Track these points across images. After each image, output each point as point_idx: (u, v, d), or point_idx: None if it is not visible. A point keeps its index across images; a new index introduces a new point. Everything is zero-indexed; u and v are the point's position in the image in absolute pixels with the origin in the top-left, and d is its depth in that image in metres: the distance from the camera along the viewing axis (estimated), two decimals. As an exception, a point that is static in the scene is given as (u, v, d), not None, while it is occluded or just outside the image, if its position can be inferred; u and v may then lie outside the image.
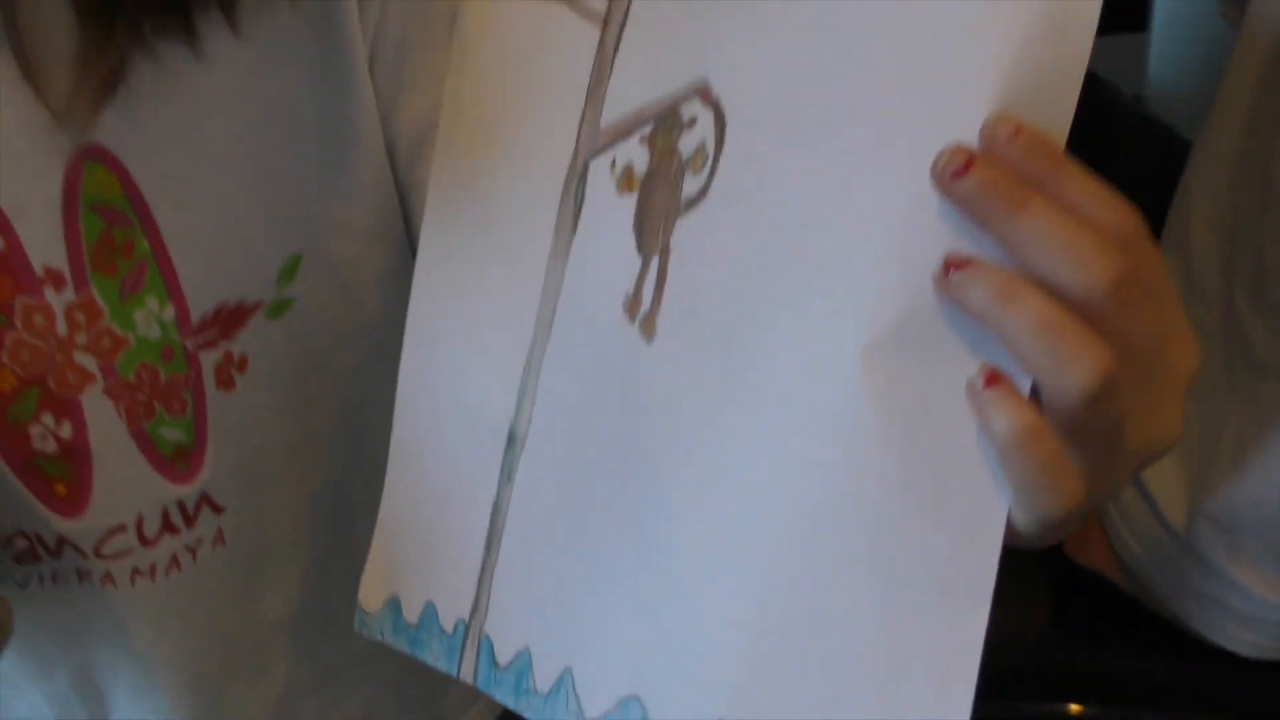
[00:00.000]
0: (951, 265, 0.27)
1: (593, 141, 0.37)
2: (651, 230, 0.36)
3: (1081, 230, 0.26)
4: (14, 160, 0.38)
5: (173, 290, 0.41)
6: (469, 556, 0.40)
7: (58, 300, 0.40)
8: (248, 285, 0.43)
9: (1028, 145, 0.27)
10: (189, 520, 0.45)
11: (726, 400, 0.33)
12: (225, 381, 0.44)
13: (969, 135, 0.28)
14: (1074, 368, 0.25)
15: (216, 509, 0.46)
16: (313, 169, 0.42)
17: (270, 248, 0.43)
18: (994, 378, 0.27)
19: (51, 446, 0.42)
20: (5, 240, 0.38)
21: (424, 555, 0.41)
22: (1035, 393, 0.27)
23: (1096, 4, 0.27)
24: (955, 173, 0.27)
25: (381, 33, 0.41)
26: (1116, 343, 0.26)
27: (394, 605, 0.42)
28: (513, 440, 0.39)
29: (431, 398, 0.41)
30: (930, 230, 0.28)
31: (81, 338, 0.41)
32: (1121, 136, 1.06)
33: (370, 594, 0.43)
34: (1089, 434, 0.27)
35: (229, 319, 0.43)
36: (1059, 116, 0.27)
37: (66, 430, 0.42)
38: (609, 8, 0.37)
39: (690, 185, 0.35)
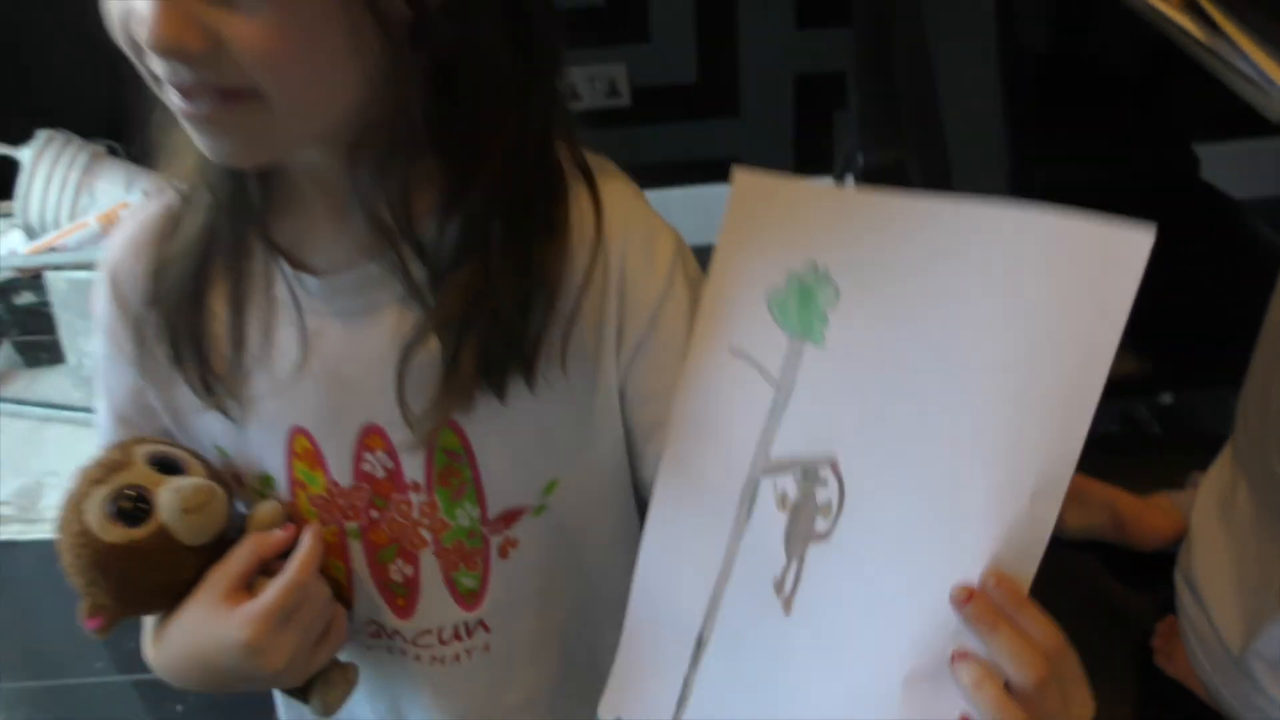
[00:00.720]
0: (956, 655, 0.49)
1: (763, 466, 0.58)
2: (794, 543, 0.56)
3: (1025, 647, 0.47)
4: (400, 430, 0.62)
5: (480, 499, 0.66)
6: (664, 707, 0.63)
7: (415, 498, 0.65)
8: (524, 497, 0.67)
9: (1004, 590, 0.48)
10: (469, 633, 0.70)
11: (827, 666, 0.55)
12: (504, 553, 0.68)
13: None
14: None
15: (486, 629, 0.71)
16: (579, 438, 0.66)
17: (541, 476, 0.67)
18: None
19: (399, 578, 0.68)
20: (394, 464, 0.64)
21: (637, 698, 0.65)
22: None
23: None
24: (960, 601, 0.49)
25: (631, 368, 0.64)
26: (1037, 710, 0.47)
27: None
28: (700, 643, 0.62)
29: (654, 599, 0.64)
30: (949, 617, 0.50)
31: (425, 521, 0.66)
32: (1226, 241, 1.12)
33: (605, 708, 0.67)
34: None
35: (510, 517, 0.67)
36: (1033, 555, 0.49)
37: (409, 571, 0.68)
38: (781, 377, 0.58)
39: (821, 524, 0.55)
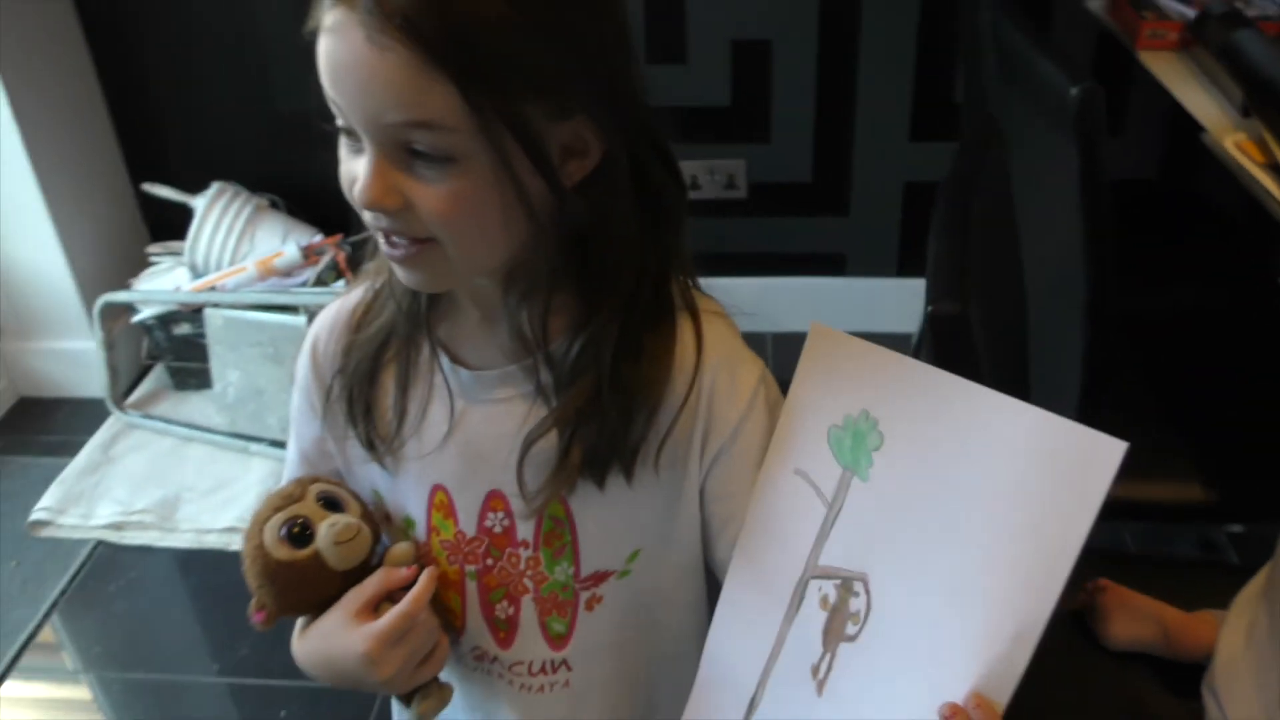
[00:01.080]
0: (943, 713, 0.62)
1: (812, 571, 0.71)
2: (830, 639, 0.69)
3: None
4: (517, 500, 0.75)
5: (575, 560, 0.78)
6: None
7: (524, 553, 0.77)
8: (611, 563, 0.78)
9: (982, 711, 0.60)
10: (554, 670, 0.82)
11: None
12: (589, 607, 0.80)
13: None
14: None
15: (569, 668, 0.82)
16: (662, 520, 0.78)
17: (627, 547, 0.78)
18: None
19: (503, 616, 0.80)
20: (510, 523, 0.77)
21: None
22: None
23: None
24: (945, 716, 0.61)
25: (710, 471, 0.76)
26: None
27: None
28: (752, 704, 0.74)
29: (720, 662, 0.76)
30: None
31: (529, 573, 0.78)
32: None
33: None
34: None
35: (598, 578, 0.79)
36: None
37: (512, 611, 0.80)
38: (832, 499, 0.70)
39: (851, 628, 0.68)
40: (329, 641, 0.74)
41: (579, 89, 0.64)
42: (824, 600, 0.69)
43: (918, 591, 0.65)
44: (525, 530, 0.77)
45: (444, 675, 0.80)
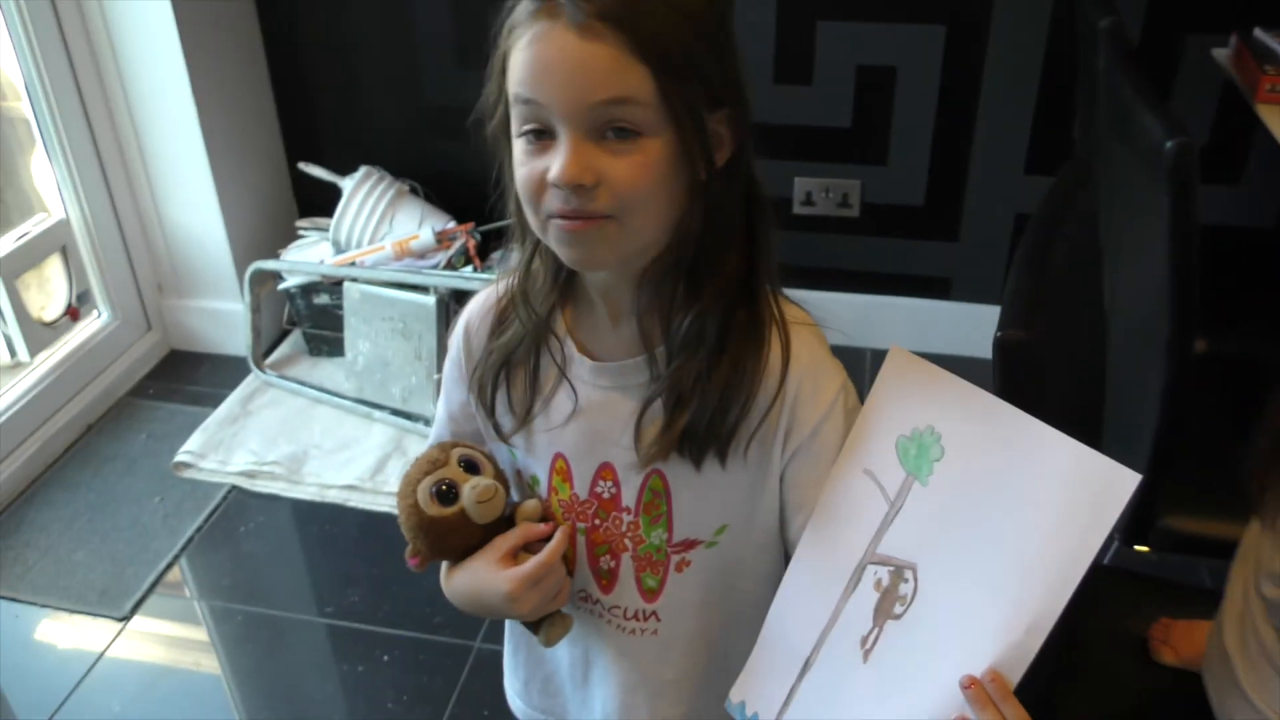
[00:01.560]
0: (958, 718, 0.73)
1: (870, 557, 0.81)
2: (879, 616, 0.80)
3: None
4: (631, 466, 0.86)
5: (669, 527, 0.89)
6: (775, 702, 0.86)
7: (625, 518, 0.89)
8: (701, 533, 0.89)
9: (996, 684, 0.71)
10: (645, 619, 0.94)
11: (880, 704, 0.79)
12: (679, 569, 0.91)
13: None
14: None
15: (658, 619, 0.93)
16: (747, 500, 0.88)
17: (716, 520, 0.89)
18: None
19: (605, 568, 0.92)
20: (617, 491, 0.89)
21: (758, 692, 0.88)
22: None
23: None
24: (964, 685, 0.72)
25: (790, 463, 0.86)
26: None
27: (741, 705, 0.89)
28: (806, 665, 0.85)
29: (782, 625, 0.87)
30: (959, 693, 0.73)
31: (629, 534, 0.90)
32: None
33: (735, 692, 0.90)
34: None
35: (688, 544, 0.90)
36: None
37: (613, 564, 0.92)
38: (894, 499, 0.80)
39: (898, 608, 0.79)
40: (477, 581, 0.88)
41: (727, 87, 0.76)
42: (878, 583, 0.80)
43: (956, 582, 0.75)
44: (629, 498, 0.88)
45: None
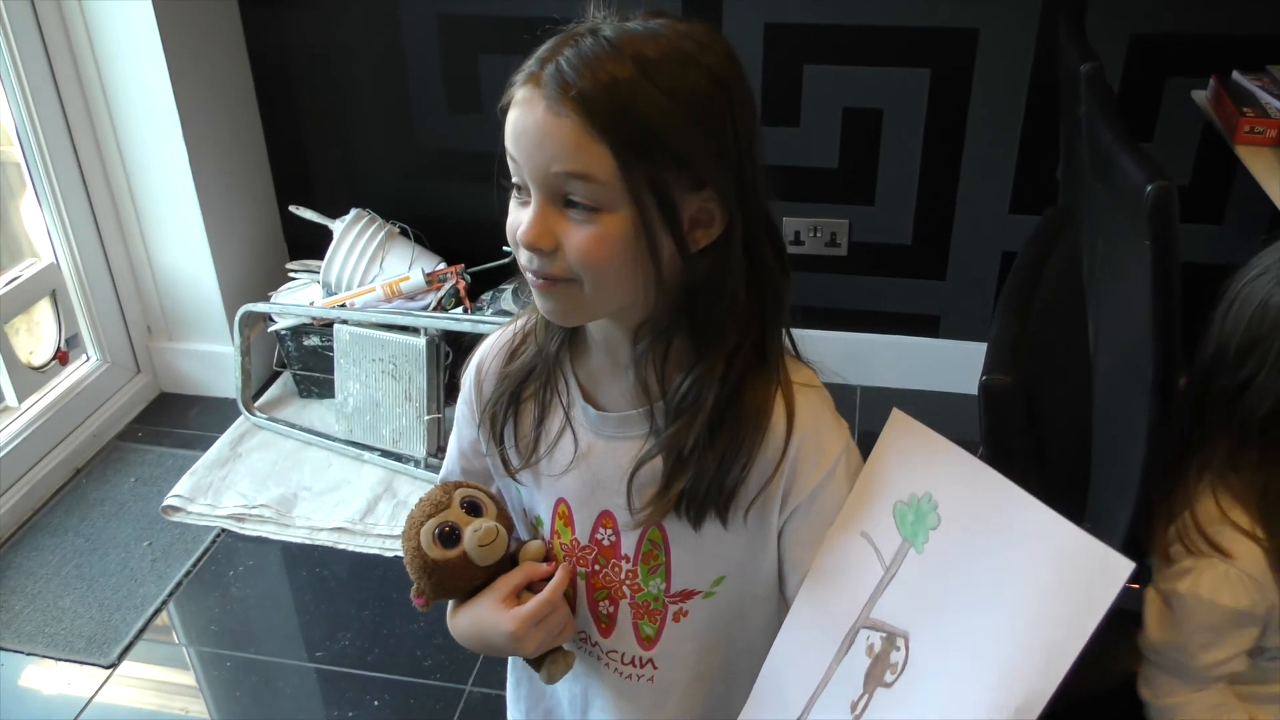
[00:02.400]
0: None
1: (864, 620, 0.81)
2: (870, 682, 0.79)
3: None
4: (630, 517, 0.86)
5: (667, 577, 0.89)
6: None
7: (624, 565, 0.90)
8: (699, 584, 0.89)
9: None
10: (642, 665, 0.94)
11: None
12: (676, 618, 0.91)
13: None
14: None
15: (655, 666, 0.94)
16: (745, 556, 0.88)
17: (714, 572, 0.89)
18: None
19: (605, 612, 0.93)
20: (616, 539, 0.89)
21: None
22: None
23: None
24: None
25: (788, 523, 0.86)
26: None
27: None
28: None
29: (775, 682, 0.86)
30: None
31: (628, 582, 0.90)
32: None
33: None
34: None
35: (686, 595, 0.90)
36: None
37: (612, 610, 0.92)
38: (890, 564, 0.80)
39: (889, 676, 0.78)
40: (482, 621, 0.89)
41: (712, 168, 0.77)
42: (870, 648, 0.79)
43: (947, 656, 0.75)
44: (628, 546, 0.89)
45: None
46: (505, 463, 0.92)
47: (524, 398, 0.90)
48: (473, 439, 0.96)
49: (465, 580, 0.89)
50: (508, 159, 0.78)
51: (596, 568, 0.91)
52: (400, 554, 0.91)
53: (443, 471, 1.01)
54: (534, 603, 0.86)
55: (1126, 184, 1.22)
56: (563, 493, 0.90)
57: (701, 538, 0.86)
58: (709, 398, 0.81)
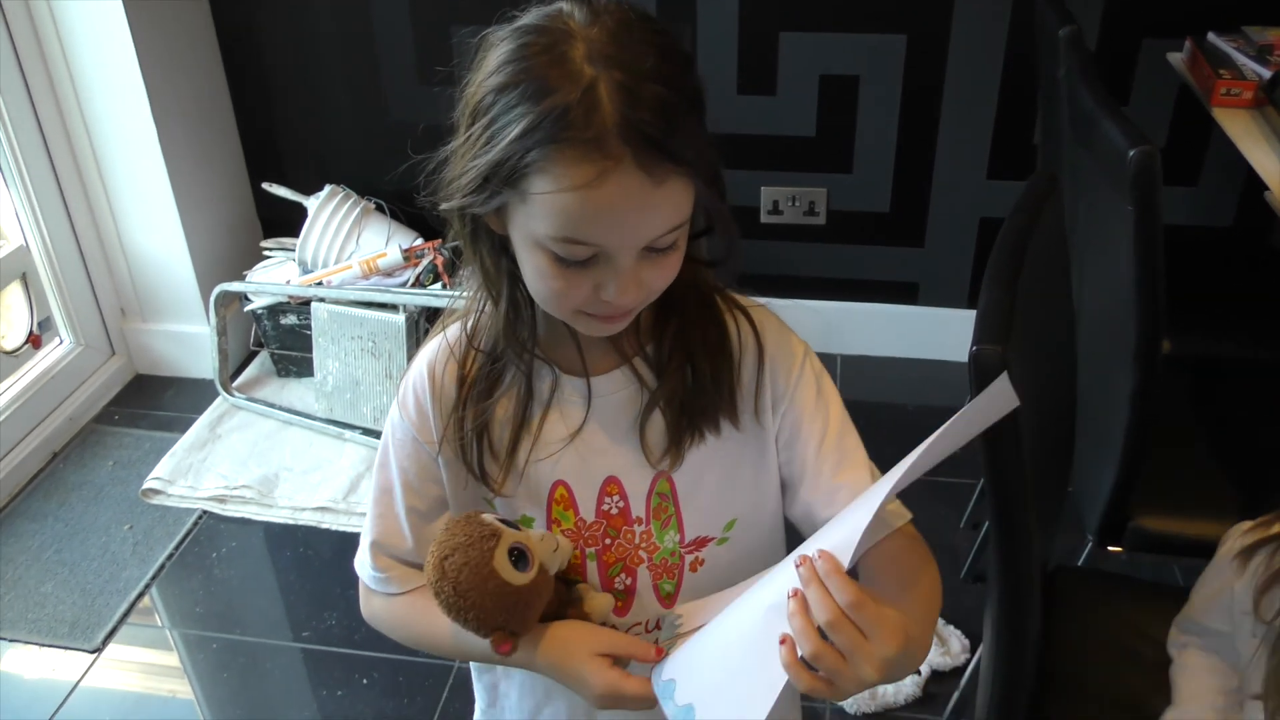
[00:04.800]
0: (790, 596, 0.69)
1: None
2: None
3: (824, 596, 0.66)
4: (637, 474, 0.87)
5: (680, 528, 0.89)
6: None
7: (637, 529, 0.89)
8: (711, 530, 0.90)
9: (825, 561, 0.68)
10: (662, 624, 0.90)
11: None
12: (693, 568, 0.91)
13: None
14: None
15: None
16: (751, 489, 0.89)
17: (724, 516, 0.90)
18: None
19: (620, 587, 0.91)
20: (625, 504, 0.88)
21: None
22: None
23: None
24: (797, 564, 0.69)
25: (780, 422, 0.87)
26: (839, 640, 0.66)
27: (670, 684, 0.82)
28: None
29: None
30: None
31: (643, 545, 0.90)
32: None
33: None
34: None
35: (700, 543, 0.90)
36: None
37: (629, 581, 0.91)
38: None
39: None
40: (569, 657, 0.83)
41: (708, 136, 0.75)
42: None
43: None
44: (638, 508, 0.88)
45: None
46: (486, 480, 0.88)
47: (495, 403, 0.87)
48: (422, 466, 0.90)
49: (544, 597, 0.83)
50: (559, 243, 0.72)
51: (607, 541, 0.90)
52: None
53: (379, 524, 0.92)
54: (634, 688, 0.80)
55: (1109, 149, 1.22)
56: (559, 474, 0.88)
57: (706, 481, 0.87)
58: (689, 342, 0.84)
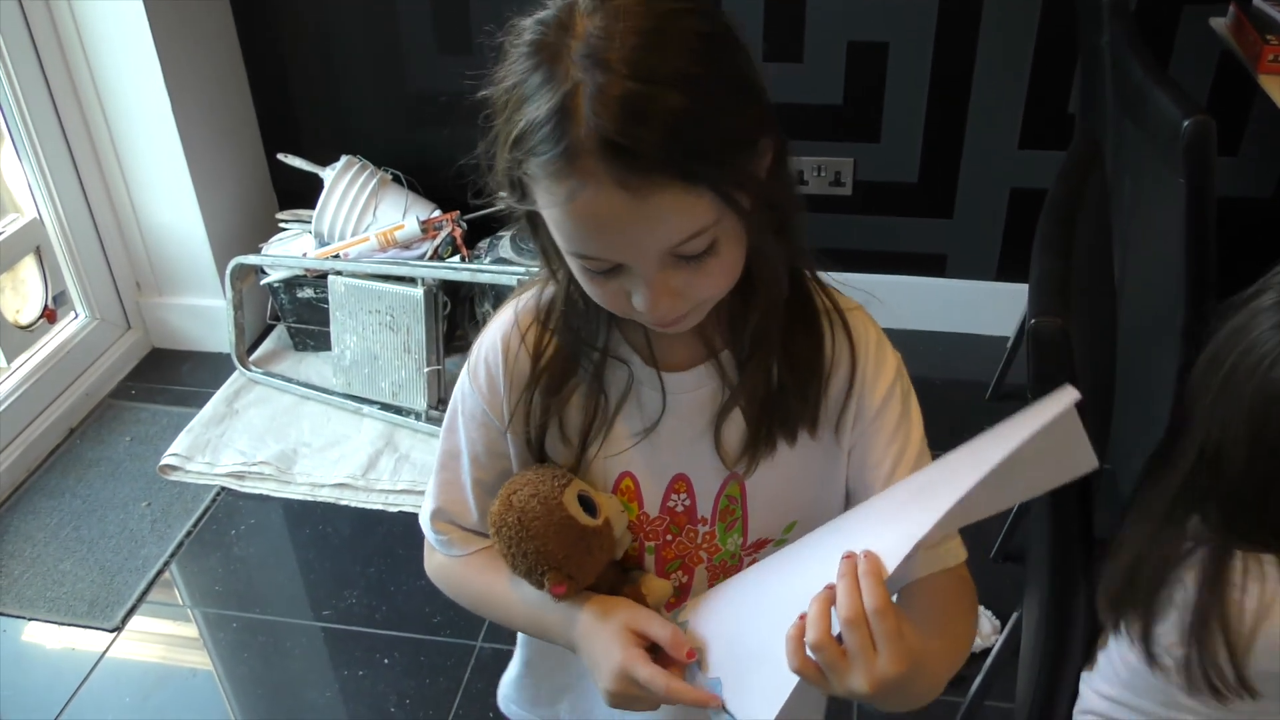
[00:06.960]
0: (826, 587, 0.67)
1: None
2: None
3: (852, 594, 0.64)
4: (709, 475, 0.84)
5: (744, 531, 0.87)
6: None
7: (701, 529, 0.87)
8: (771, 532, 0.88)
9: (868, 560, 0.65)
10: None
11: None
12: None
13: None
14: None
15: None
16: (814, 492, 0.86)
17: (786, 519, 0.87)
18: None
19: (676, 584, 0.89)
20: (691, 503, 0.86)
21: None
22: None
23: None
24: (844, 557, 0.66)
25: (857, 440, 0.83)
26: (850, 641, 0.64)
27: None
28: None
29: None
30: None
31: (705, 545, 0.88)
32: None
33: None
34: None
35: (760, 544, 0.88)
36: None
37: (685, 579, 0.89)
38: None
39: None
40: (606, 620, 0.80)
41: (761, 121, 0.69)
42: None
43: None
44: (704, 508, 0.86)
45: None
46: (545, 460, 0.86)
47: (568, 386, 0.83)
48: (491, 440, 0.87)
49: (605, 549, 0.82)
50: (572, 258, 0.70)
51: (669, 538, 0.87)
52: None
53: (444, 490, 0.90)
54: (652, 683, 0.75)
55: (1160, 119, 1.17)
56: (627, 466, 0.85)
57: (773, 486, 0.84)
58: (775, 330, 0.78)
